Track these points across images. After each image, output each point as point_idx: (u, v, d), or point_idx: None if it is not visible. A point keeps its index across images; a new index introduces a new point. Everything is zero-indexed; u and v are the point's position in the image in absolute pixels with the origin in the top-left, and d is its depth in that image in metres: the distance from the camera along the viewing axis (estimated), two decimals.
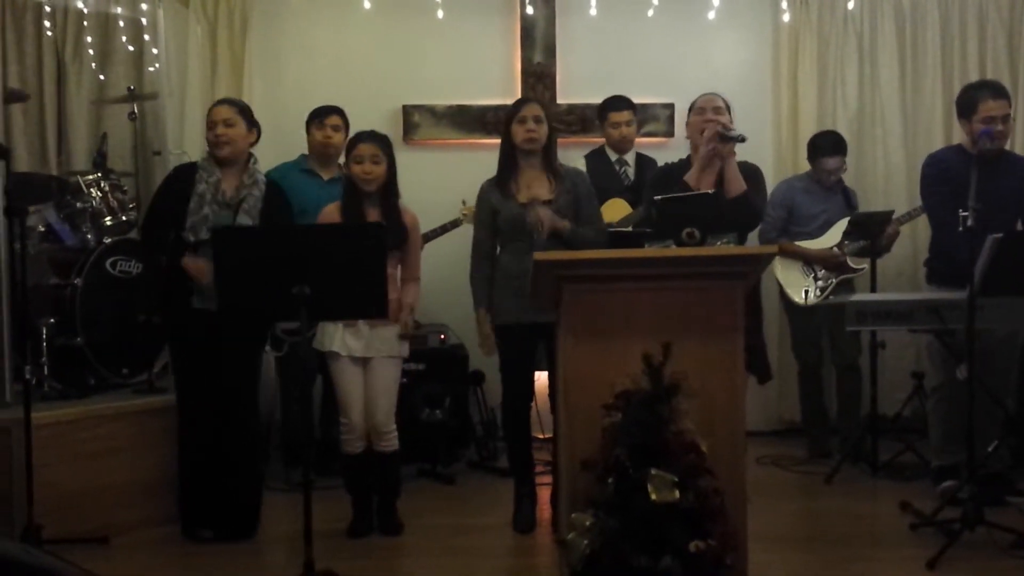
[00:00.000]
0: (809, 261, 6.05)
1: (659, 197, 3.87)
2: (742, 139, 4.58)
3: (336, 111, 5.79)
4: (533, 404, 4.93)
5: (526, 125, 4.68)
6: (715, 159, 4.64)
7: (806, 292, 5.99)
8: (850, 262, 5.98)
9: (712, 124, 4.64)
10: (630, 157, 6.19)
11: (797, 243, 6.04)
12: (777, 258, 6.10)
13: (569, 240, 4.64)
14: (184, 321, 4.61)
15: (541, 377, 5.04)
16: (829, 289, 5.96)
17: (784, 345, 6.47)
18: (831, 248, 5.98)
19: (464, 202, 5.80)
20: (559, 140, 5.17)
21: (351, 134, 5.04)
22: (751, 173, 4.80)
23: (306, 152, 5.89)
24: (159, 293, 4.83)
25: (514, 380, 4.82)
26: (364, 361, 4.66)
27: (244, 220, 4.60)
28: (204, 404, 4.63)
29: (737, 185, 4.64)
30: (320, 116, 5.77)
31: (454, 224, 5.87)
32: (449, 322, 6.24)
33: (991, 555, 4.18)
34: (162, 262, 4.75)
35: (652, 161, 6.08)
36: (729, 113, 4.78)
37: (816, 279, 6.03)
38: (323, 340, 4.66)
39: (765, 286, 6.10)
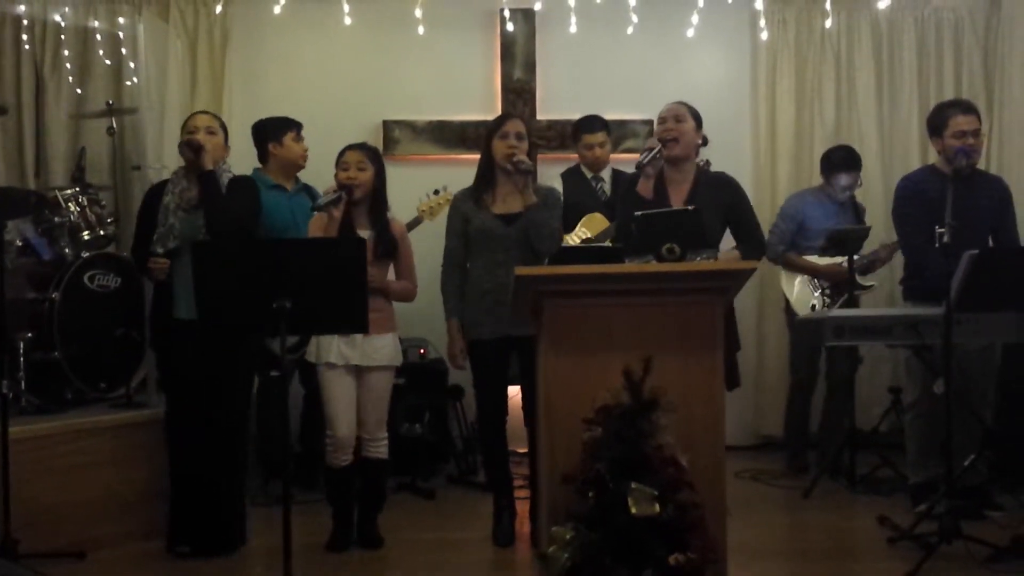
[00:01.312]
0: (816, 276, 6.06)
1: (639, 213, 3.88)
2: (660, 153, 4.54)
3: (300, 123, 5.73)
4: (509, 419, 4.94)
5: (508, 141, 4.69)
6: (677, 162, 4.67)
7: (813, 307, 5.98)
8: (859, 279, 5.95)
9: (671, 132, 4.65)
10: (606, 174, 6.21)
11: (805, 257, 6.04)
12: (783, 272, 6.12)
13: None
14: (169, 332, 4.61)
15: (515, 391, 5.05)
16: (836, 305, 5.91)
17: (762, 359, 6.50)
18: (840, 264, 5.93)
19: (420, 200, 5.85)
20: (539, 156, 5.19)
21: (333, 147, 4.99)
22: (726, 183, 4.79)
23: (259, 167, 5.70)
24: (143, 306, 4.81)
25: (488, 395, 4.83)
26: (358, 371, 4.66)
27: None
28: (190, 415, 4.61)
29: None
30: (295, 128, 5.66)
31: (417, 222, 5.86)
32: (428, 337, 6.24)
33: (968, 569, 4.20)
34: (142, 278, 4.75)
35: (627, 176, 6.10)
36: (696, 122, 4.75)
37: (824, 294, 6.03)
38: (318, 352, 4.66)
39: (768, 297, 6.13)
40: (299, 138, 5.66)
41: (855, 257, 5.88)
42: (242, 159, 5.43)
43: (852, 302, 5.89)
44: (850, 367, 5.96)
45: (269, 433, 5.69)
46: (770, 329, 6.78)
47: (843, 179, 6.03)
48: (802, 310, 6.00)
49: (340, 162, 4.70)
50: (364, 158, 4.68)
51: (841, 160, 6.07)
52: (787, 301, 6.13)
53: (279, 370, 5.14)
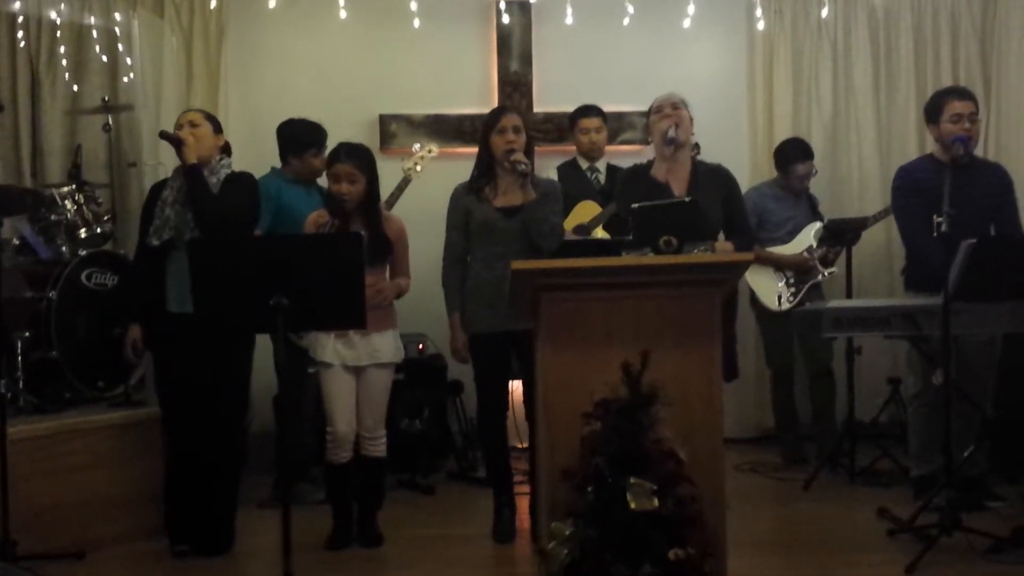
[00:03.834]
0: (781, 267, 6.08)
1: (636, 205, 3.87)
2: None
3: (326, 134, 5.62)
4: (510, 413, 4.93)
5: (506, 136, 4.67)
6: (676, 153, 4.69)
7: (779, 297, 6.03)
8: (820, 267, 6.03)
9: (668, 119, 4.67)
10: (601, 165, 6.23)
11: (768, 249, 6.07)
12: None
13: None
14: (162, 327, 4.60)
15: (517, 386, 5.04)
16: (801, 294, 5.99)
17: (761, 351, 6.49)
18: (801, 253, 6.03)
19: (402, 159, 5.83)
20: (536, 149, 5.18)
21: (332, 145, 4.96)
22: (724, 174, 4.80)
23: (278, 166, 5.68)
24: (135, 309, 4.79)
25: (489, 390, 4.82)
26: (357, 370, 4.65)
27: None
28: (185, 411, 4.60)
29: None
30: (317, 145, 5.54)
31: (405, 182, 5.82)
32: (428, 332, 6.23)
33: (969, 560, 4.20)
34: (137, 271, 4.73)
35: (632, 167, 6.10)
36: (687, 111, 4.78)
37: (788, 284, 6.06)
38: (315, 350, 4.65)
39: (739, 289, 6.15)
40: (320, 154, 5.47)
41: (813, 246, 6.03)
42: (238, 156, 5.40)
43: (816, 290, 6.03)
44: (827, 356, 6.05)
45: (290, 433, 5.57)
46: None
47: (800, 168, 6.15)
48: (769, 301, 6.09)
49: (331, 172, 4.65)
50: (354, 169, 4.61)
51: (795, 151, 6.20)
52: (753, 293, 6.18)
53: (310, 366, 5.17)
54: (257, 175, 5.37)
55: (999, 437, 5.16)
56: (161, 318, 4.60)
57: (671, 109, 4.70)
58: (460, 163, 5.26)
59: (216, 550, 4.63)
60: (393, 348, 4.74)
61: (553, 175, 5.89)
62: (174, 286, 4.52)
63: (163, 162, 6.06)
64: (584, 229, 5.68)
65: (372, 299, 4.42)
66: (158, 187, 4.77)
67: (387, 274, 4.78)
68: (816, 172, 6.27)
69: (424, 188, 5.85)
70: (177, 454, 4.65)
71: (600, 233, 5.52)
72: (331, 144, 4.84)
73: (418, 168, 5.83)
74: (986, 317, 4.72)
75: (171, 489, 4.69)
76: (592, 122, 6.20)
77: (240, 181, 4.74)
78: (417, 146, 5.91)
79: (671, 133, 4.60)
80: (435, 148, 5.96)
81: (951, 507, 4.26)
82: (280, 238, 4.80)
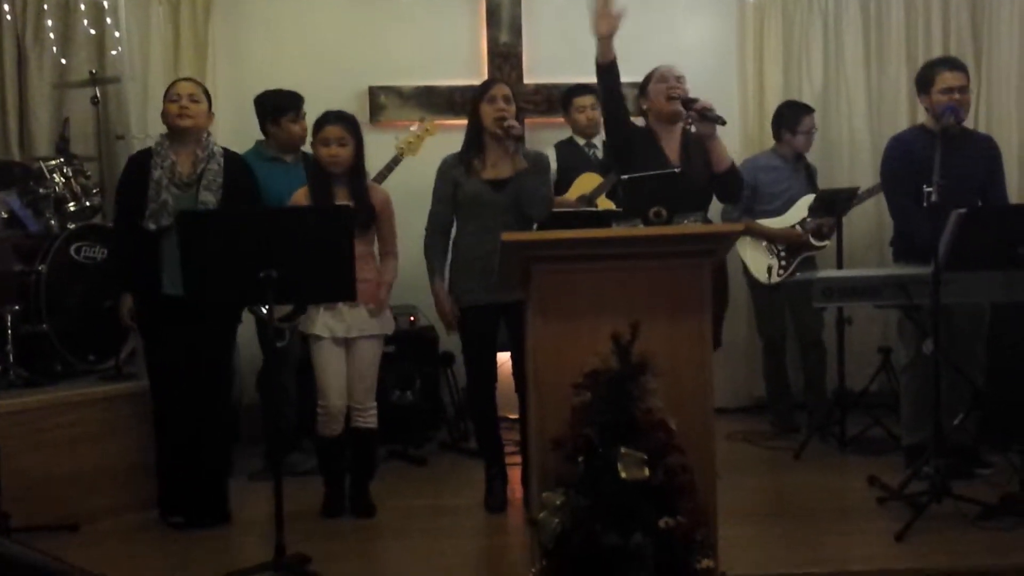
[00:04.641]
0: (770, 240, 6.08)
1: (626, 176, 3.88)
2: (722, 122, 4.61)
3: (302, 99, 5.65)
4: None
5: (496, 105, 4.68)
6: (675, 120, 4.76)
7: (769, 269, 6.03)
8: (812, 240, 6.03)
9: (677, 90, 4.72)
10: (598, 140, 6.20)
11: (760, 221, 6.06)
12: (740, 236, 6.15)
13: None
14: (155, 307, 4.58)
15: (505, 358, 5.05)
16: (792, 266, 5.99)
17: (752, 320, 6.50)
18: (793, 227, 6.02)
19: (397, 137, 5.75)
20: (526, 120, 5.17)
21: (318, 114, 4.96)
22: None
23: (261, 139, 5.67)
24: (126, 280, 4.77)
25: (478, 361, 4.84)
26: (346, 341, 4.66)
27: (206, 197, 4.56)
28: (177, 389, 4.61)
29: (724, 159, 4.74)
30: (294, 109, 5.56)
31: (395, 161, 5.81)
32: (418, 304, 6.23)
33: (958, 527, 4.23)
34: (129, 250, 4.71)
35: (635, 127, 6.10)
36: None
37: (780, 257, 6.05)
38: (305, 323, 4.65)
39: (729, 261, 6.17)
40: (298, 118, 5.52)
41: (806, 219, 6.00)
42: (226, 128, 5.39)
43: (809, 263, 6.02)
44: (817, 326, 6.07)
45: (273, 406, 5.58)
46: None
47: (806, 121, 6.14)
48: (759, 274, 6.09)
49: (319, 136, 4.65)
50: (344, 133, 4.63)
51: (796, 107, 6.24)
52: (744, 264, 6.18)
53: (280, 339, 5.20)
54: (244, 148, 5.39)
55: (989, 405, 5.19)
56: (153, 300, 4.58)
57: (675, 81, 4.78)
58: (450, 135, 5.24)
59: (213, 520, 4.65)
60: (383, 320, 4.74)
61: (549, 151, 5.87)
62: (169, 269, 4.50)
63: (151, 134, 6.03)
64: (587, 200, 5.68)
65: (376, 312, 4.51)
66: (139, 159, 4.72)
67: (375, 247, 4.77)
68: (816, 129, 6.27)
69: (414, 161, 5.82)
70: (168, 428, 4.65)
71: (604, 203, 5.53)
72: (315, 116, 4.81)
73: (413, 150, 5.70)
74: (976, 287, 4.74)
75: (164, 462, 4.70)
76: (587, 99, 6.17)
77: (240, 169, 4.76)
78: (415, 126, 5.77)
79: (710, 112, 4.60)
80: (432, 127, 5.81)
81: (941, 475, 4.29)
82: (270, 211, 4.78)
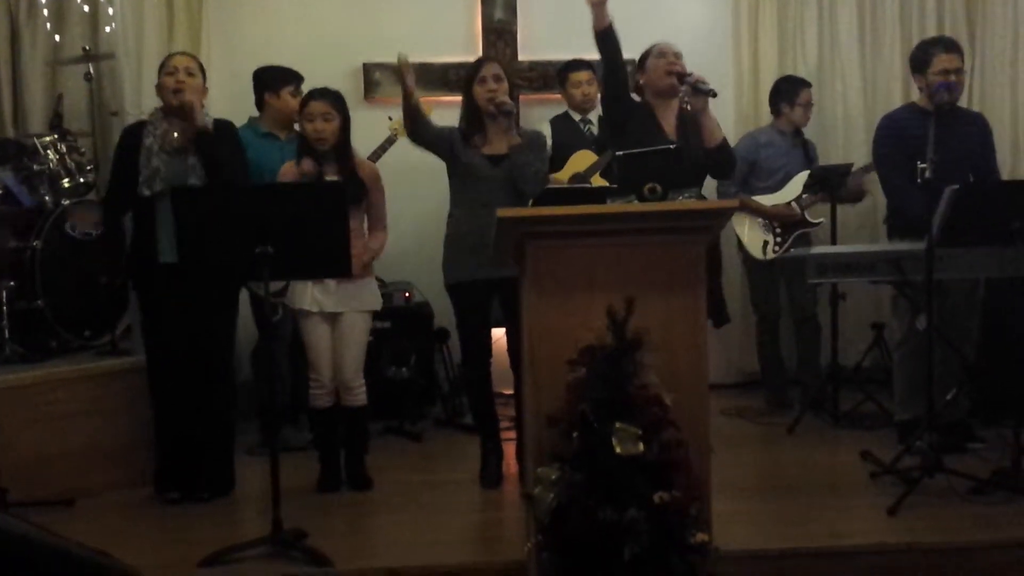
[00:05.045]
0: (765, 217, 6.08)
1: (621, 153, 3.88)
2: (714, 94, 4.61)
3: (303, 78, 5.65)
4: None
5: (487, 85, 4.70)
6: (671, 95, 4.75)
7: (765, 245, 6.04)
8: (807, 216, 6.03)
9: (676, 65, 4.71)
10: (593, 116, 6.20)
11: (755, 198, 6.06)
12: (736, 212, 6.15)
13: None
14: (152, 277, 4.58)
15: (500, 334, 5.06)
16: (788, 243, 6.00)
17: (747, 296, 6.52)
18: (788, 203, 6.02)
19: (391, 118, 5.73)
20: (521, 97, 5.16)
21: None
22: None
23: (255, 116, 5.69)
24: (123, 251, 4.77)
25: (472, 338, 4.85)
26: (334, 317, 4.67)
27: (195, 163, 4.56)
28: (175, 361, 4.61)
29: (716, 134, 4.73)
30: (294, 82, 5.58)
31: (390, 142, 5.79)
32: (414, 280, 6.24)
33: (950, 501, 4.26)
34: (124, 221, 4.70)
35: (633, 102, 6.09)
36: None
37: (775, 233, 6.06)
38: (293, 298, 4.66)
39: (723, 236, 6.18)
40: (297, 92, 5.52)
41: (802, 196, 6.00)
42: (220, 103, 5.37)
43: (804, 240, 6.02)
44: (812, 302, 6.09)
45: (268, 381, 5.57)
46: None
47: (804, 94, 6.17)
48: (755, 250, 6.08)
49: (305, 112, 4.66)
50: (329, 108, 4.63)
51: (793, 80, 6.26)
52: (740, 240, 6.18)
53: (274, 314, 5.20)
54: (237, 124, 5.36)
55: (981, 381, 5.22)
56: (151, 268, 4.58)
57: (674, 57, 4.77)
58: (446, 112, 5.24)
59: (214, 493, 4.68)
60: (369, 296, 4.75)
61: (544, 127, 5.87)
62: (165, 237, 4.48)
63: (144, 111, 6.01)
64: (581, 178, 5.68)
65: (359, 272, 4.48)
66: (132, 131, 4.72)
67: (364, 225, 4.77)
68: (813, 103, 6.29)
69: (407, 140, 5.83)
70: (167, 403, 4.66)
71: (598, 181, 5.53)
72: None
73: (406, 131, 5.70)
74: (969, 262, 4.77)
75: (163, 437, 4.70)
76: (583, 75, 6.16)
77: (228, 135, 4.73)
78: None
79: (702, 85, 4.60)
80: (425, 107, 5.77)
81: (933, 450, 4.32)
82: (265, 187, 4.78)
